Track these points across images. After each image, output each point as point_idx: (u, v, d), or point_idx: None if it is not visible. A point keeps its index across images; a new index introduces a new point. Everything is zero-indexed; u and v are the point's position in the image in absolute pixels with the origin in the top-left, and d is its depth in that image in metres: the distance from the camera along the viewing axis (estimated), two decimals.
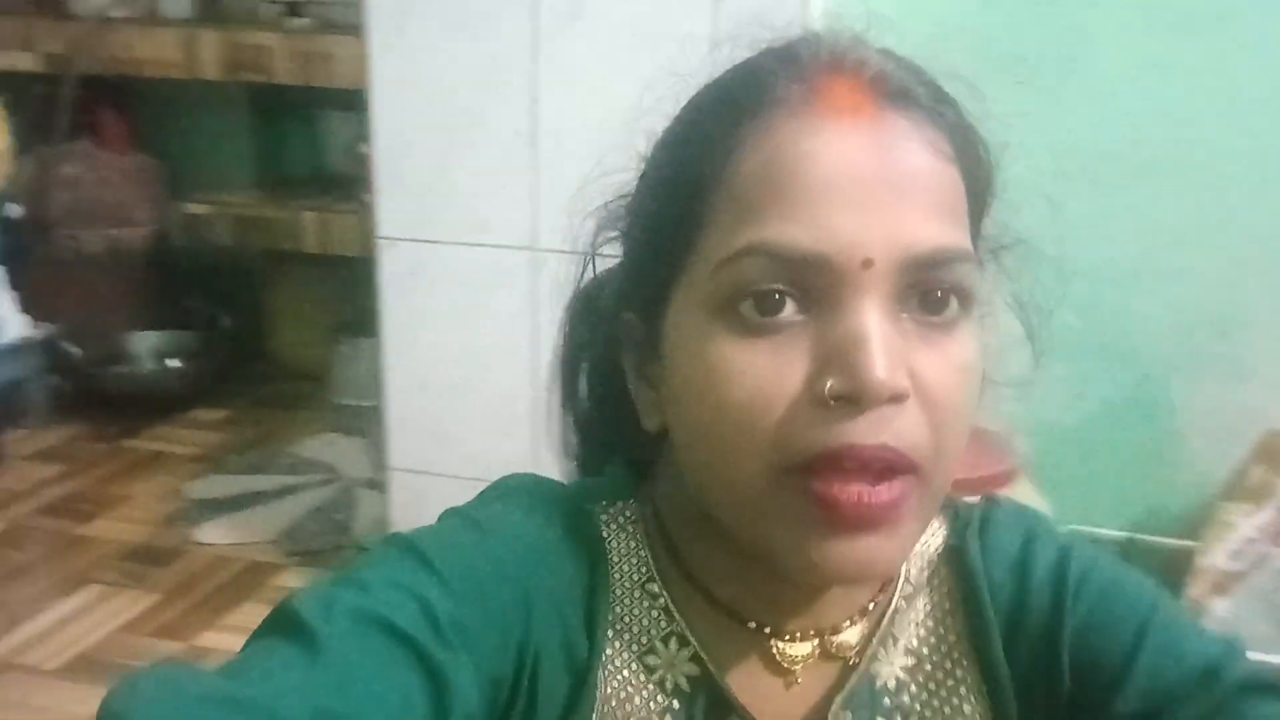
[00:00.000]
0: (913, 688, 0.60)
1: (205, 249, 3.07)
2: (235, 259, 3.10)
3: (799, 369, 0.51)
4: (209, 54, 2.77)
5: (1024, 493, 1.60)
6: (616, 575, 0.62)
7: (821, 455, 0.50)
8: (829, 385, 0.49)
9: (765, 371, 0.51)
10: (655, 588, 0.61)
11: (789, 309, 0.51)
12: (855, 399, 0.49)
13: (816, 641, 0.59)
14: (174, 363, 3.00)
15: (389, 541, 0.55)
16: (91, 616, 2.05)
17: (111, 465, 2.66)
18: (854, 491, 0.50)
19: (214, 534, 2.32)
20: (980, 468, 1.53)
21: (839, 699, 0.60)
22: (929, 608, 0.61)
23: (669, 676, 0.60)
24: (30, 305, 2.88)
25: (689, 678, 0.60)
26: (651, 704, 0.59)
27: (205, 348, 3.05)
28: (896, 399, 0.50)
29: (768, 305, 0.51)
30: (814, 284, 0.51)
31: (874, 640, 0.60)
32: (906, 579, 0.62)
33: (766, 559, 0.55)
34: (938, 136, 0.54)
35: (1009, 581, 0.60)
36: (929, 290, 0.52)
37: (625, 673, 0.60)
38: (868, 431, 0.50)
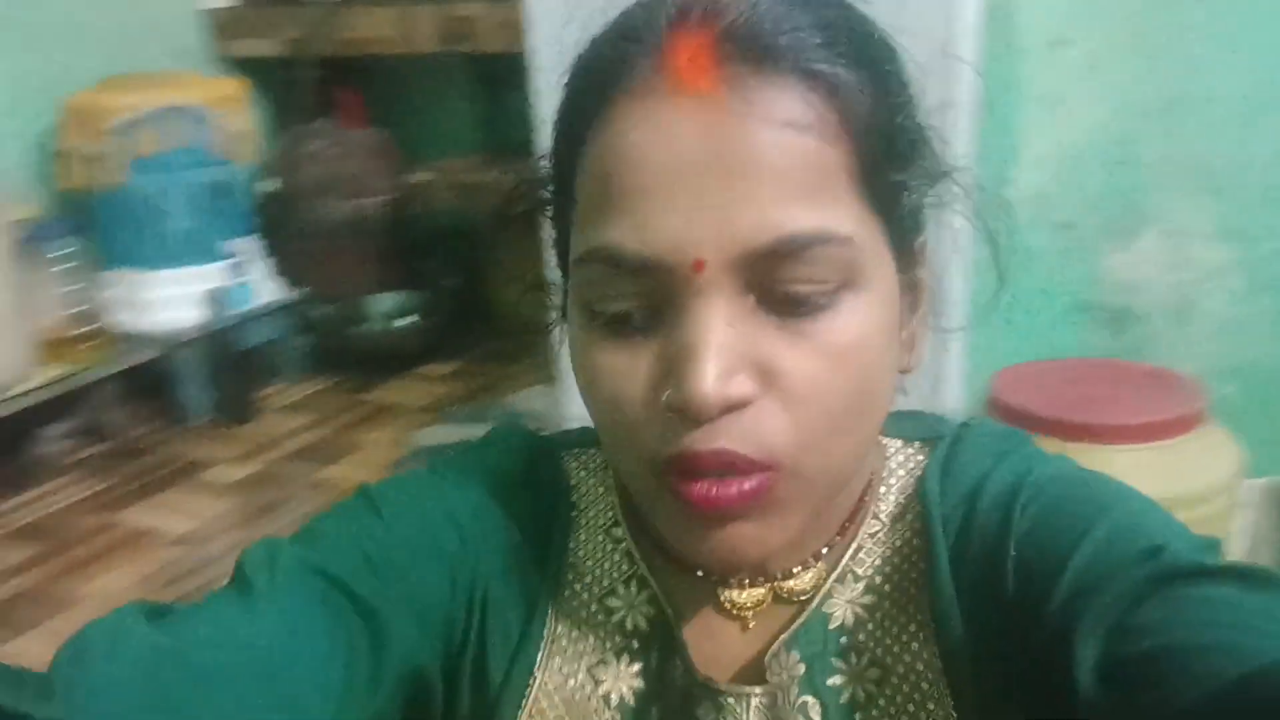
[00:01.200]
0: (869, 625, 0.58)
1: (432, 215, 3.28)
2: (459, 223, 3.30)
3: (649, 374, 0.50)
4: (424, 29, 2.94)
5: (1213, 439, 1.47)
6: (580, 519, 0.63)
7: (668, 460, 0.50)
8: (665, 397, 0.49)
9: (621, 376, 0.51)
10: (619, 532, 0.63)
11: (638, 316, 0.50)
12: (686, 412, 0.48)
13: (767, 588, 0.59)
14: (407, 321, 3.24)
15: (356, 492, 0.59)
16: None
17: (351, 415, 2.91)
18: (702, 488, 0.49)
19: None
20: (1160, 411, 1.42)
21: (783, 638, 0.59)
22: (897, 544, 0.59)
23: (629, 618, 0.61)
24: (283, 271, 3.19)
25: (647, 619, 0.61)
26: (608, 643, 0.60)
27: (435, 307, 3.27)
28: (733, 407, 0.48)
29: (619, 313, 0.50)
30: (653, 290, 0.49)
31: (830, 579, 0.59)
32: (875, 516, 0.60)
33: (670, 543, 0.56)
34: (792, 103, 0.48)
35: (960, 507, 0.57)
36: (787, 277, 0.48)
37: (583, 613, 0.61)
38: (705, 438, 0.48)
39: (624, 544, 0.62)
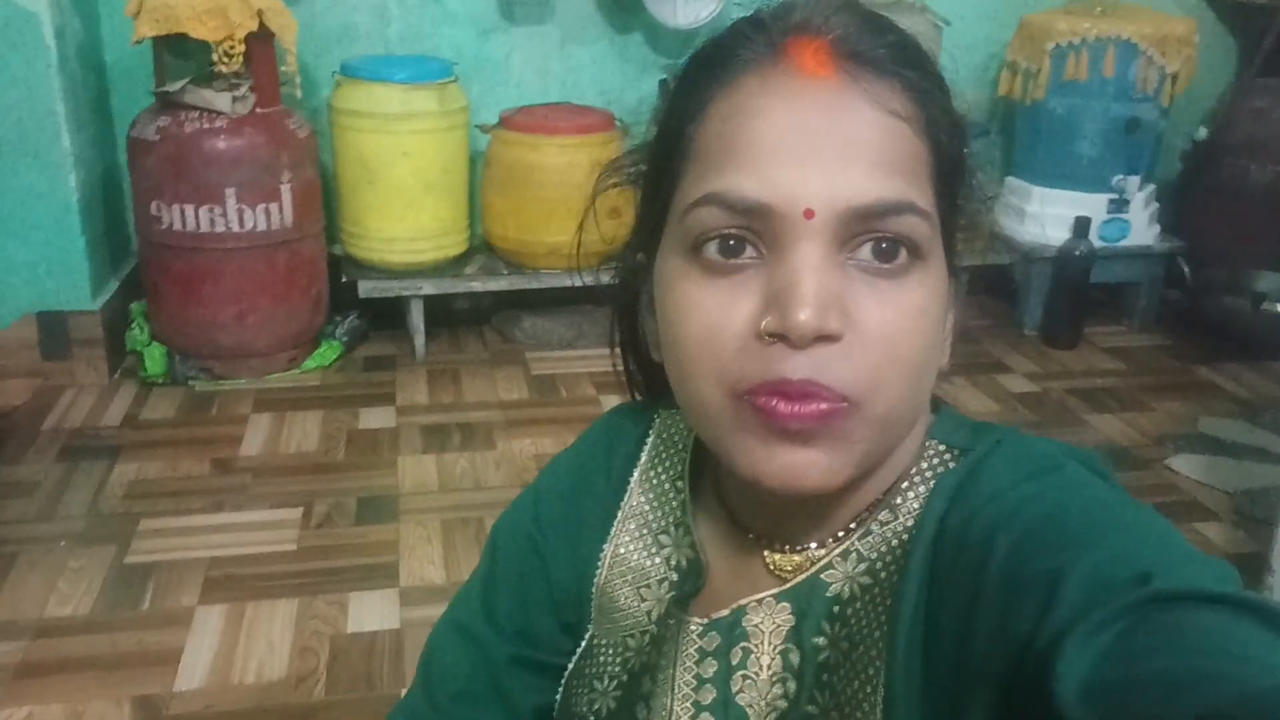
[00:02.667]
0: (858, 603, 0.63)
1: None
2: None
3: (748, 307, 0.57)
4: None
5: None
6: (641, 472, 0.75)
7: (759, 386, 0.56)
8: (764, 323, 0.55)
9: (719, 308, 0.57)
10: (681, 484, 0.73)
11: (748, 252, 0.57)
12: (784, 336, 0.55)
13: (803, 555, 0.66)
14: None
15: (489, 537, 0.81)
16: None
17: (1159, 379, 2.84)
18: (786, 404, 0.56)
19: (1186, 465, 2.39)
20: None
21: (774, 590, 0.65)
22: (903, 539, 0.62)
23: (675, 555, 0.72)
24: (1168, 219, 3.13)
25: (689, 561, 0.71)
26: (652, 569, 0.72)
27: None
28: (826, 338, 0.55)
29: (728, 248, 0.57)
30: (764, 231, 0.56)
31: (834, 552, 0.64)
32: (891, 508, 0.64)
33: (730, 468, 0.61)
34: (893, 96, 0.57)
35: (963, 520, 0.58)
36: (876, 239, 0.56)
37: (637, 544, 0.73)
38: (796, 367, 0.55)
39: (682, 495, 0.73)
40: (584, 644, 0.76)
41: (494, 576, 0.79)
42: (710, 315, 0.58)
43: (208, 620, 1.79)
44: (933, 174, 0.59)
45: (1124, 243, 3.04)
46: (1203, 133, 3.14)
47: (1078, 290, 2.97)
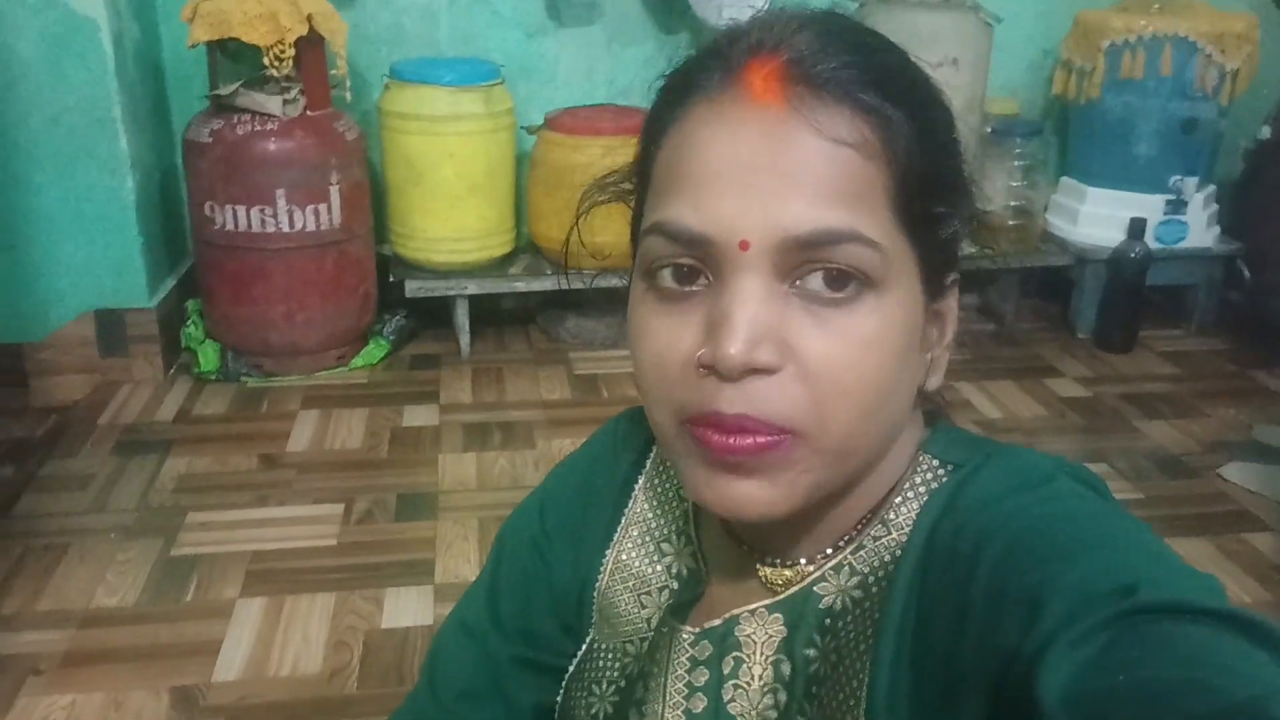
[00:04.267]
0: (849, 617, 0.63)
1: None
2: None
3: (690, 337, 0.57)
4: None
5: None
6: (646, 479, 0.75)
7: (695, 418, 0.57)
8: (699, 355, 0.56)
9: (667, 336, 0.58)
10: (685, 493, 0.73)
11: (700, 280, 0.58)
12: (715, 370, 0.55)
13: (795, 570, 0.66)
14: None
15: (496, 537, 0.82)
16: None
17: (1214, 385, 2.77)
18: (721, 438, 0.57)
19: (1238, 474, 2.33)
20: None
21: (767, 601, 0.66)
22: (895, 554, 0.62)
23: (676, 563, 0.72)
24: (1227, 220, 3.05)
25: (689, 570, 0.71)
26: (653, 577, 0.73)
27: None
28: (760, 371, 0.55)
29: (681, 275, 0.58)
30: (707, 261, 0.57)
31: (827, 566, 0.64)
32: (884, 522, 0.63)
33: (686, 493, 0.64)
34: (842, 123, 0.55)
35: (951, 534, 0.58)
36: (824, 269, 0.55)
37: (639, 551, 0.74)
38: (731, 401, 0.55)
39: (686, 505, 0.74)
40: (585, 647, 0.76)
41: (498, 578, 0.80)
42: (659, 342, 0.59)
43: (247, 613, 1.83)
44: (892, 199, 0.57)
45: (1181, 244, 2.97)
46: (1265, 132, 3.05)
47: (1133, 293, 2.91)
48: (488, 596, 0.80)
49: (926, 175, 0.58)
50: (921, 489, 0.64)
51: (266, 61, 2.52)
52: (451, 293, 2.81)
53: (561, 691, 0.77)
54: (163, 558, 1.97)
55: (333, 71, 2.63)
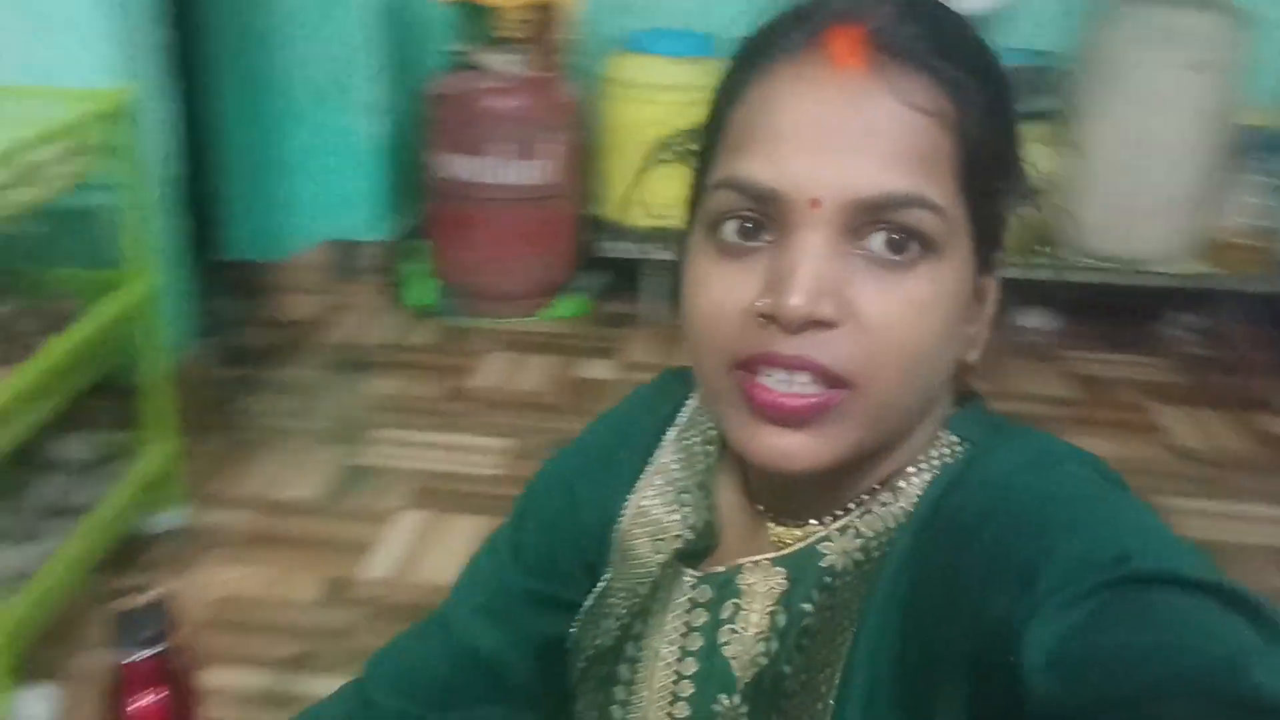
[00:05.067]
0: (848, 577, 0.64)
1: None
2: None
3: (752, 287, 0.58)
4: None
5: None
6: (677, 431, 0.76)
7: (750, 358, 0.58)
8: (759, 304, 0.57)
9: (726, 286, 0.59)
10: (711, 449, 0.74)
11: (763, 235, 0.58)
12: (775, 318, 0.56)
13: (804, 529, 0.67)
14: None
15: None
16: None
17: None
18: (768, 393, 0.58)
19: None
20: None
21: (771, 554, 0.67)
22: (901, 521, 0.63)
23: (693, 515, 0.73)
24: None
25: (705, 523, 0.72)
26: (670, 525, 0.74)
27: None
28: (819, 324, 0.56)
29: (744, 230, 0.59)
30: (775, 216, 0.58)
31: (832, 526, 0.66)
32: (893, 488, 0.65)
33: (728, 442, 0.64)
34: (919, 90, 0.57)
35: (955, 508, 0.60)
36: (886, 231, 0.56)
37: (660, 499, 0.75)
38: (788, 344, 0.56)
39: (710, 459, 0.74)
40: (600, 585, 0.80)
41: (526, 513, 0.84)
42: (718, 292, 0.60)
43: (405, 523, 2.02)
44: (959, 169, 0.58)
45: None
46: None
47: None
48: (514, 528, 0.84)
49: (992, 149, 0.60)
50: (936, 462, 0.65)
51: (504, 24, 2.71)
52: (647, 256, 2.92)
53: (576, 625, 0.81)
54: (345, 463, 2.20)
55: (563, 37, 2.79)
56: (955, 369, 0.65)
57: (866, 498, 0.65)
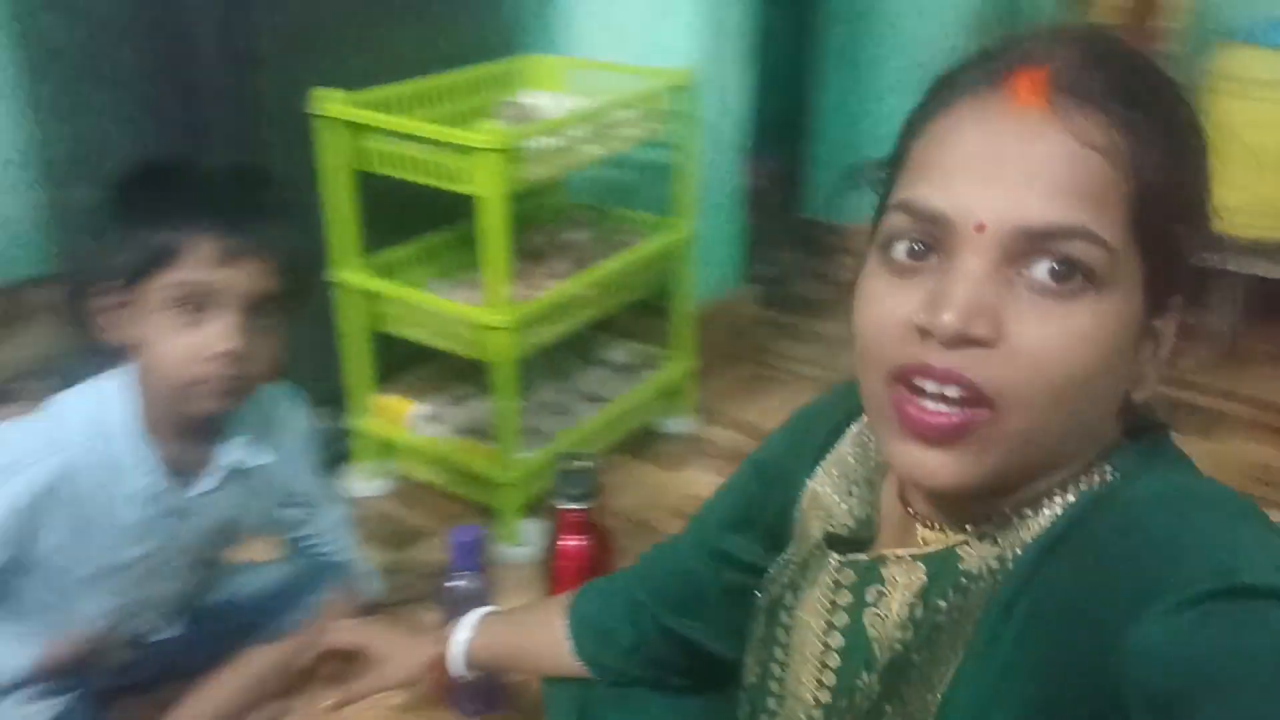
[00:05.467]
0: (981, 582, 0.67)
1: None
2: None
3: (914, 303, 0.61)
4: None
5: None
6: (858, 427, 0.82)
7: (905, 368, 0.62)
8: (918, 317, 0.60)
9: (891, 301, 0.63)
10: (873, 451, 0.80)
11: (931, 258, 0.62)
12: (928, 331, 0.60)
13: (947, 534, 0.71)
14: None
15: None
16: None
17: None
18: (916, 409, 0.61)
19: None
20: None
21: (913, 550, 0.71)
22: (1037, 539, 0.65)
23: (858, 507, 0.79)
24: None
25: (867, 516, 0.78)
26: (838, 513, 0.80)
27: None
28: (973, 342, 0.59)
29: (913, 251, 0.63)
30: (941, 238, 0.61)
31: (975, 534, 0.69)
32: (1037, 507, 0.66)
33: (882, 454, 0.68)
34: (1094, 129, 0.59)
35: (1085, 536, 0.62)
36: (1049, 260, 0.59)
37: (833, 486, 0.81)
38: (940, 357, 0.60)
39: (873, 460, 0.81)
40: (781, 557, 0.86)
41: (731, 486, 0.96)
42: (883, 307, 0.63)
43: None
44: (1132, 209, 0.60)
45: None
46: None
47: None
48: (720, 496, 0.97)
49: (1169, 193, 0.61)
50: (1084, 488, 0.66)
51: (1100, 8, 2.64)
52: (1229, 267, 2.67)
53: (762, 589, 0.87)
54: None
55: (1167, 25, 2.64)
56: (1121, 404, 0.66)
57: (1011, 513, 0.67)
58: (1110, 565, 0.58)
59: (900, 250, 0.63)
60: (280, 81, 1.80)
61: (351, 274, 1.89)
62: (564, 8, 2.31)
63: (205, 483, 1.29)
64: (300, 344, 1.88)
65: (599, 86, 2.04)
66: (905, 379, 0.62)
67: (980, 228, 0.59)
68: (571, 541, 1.52)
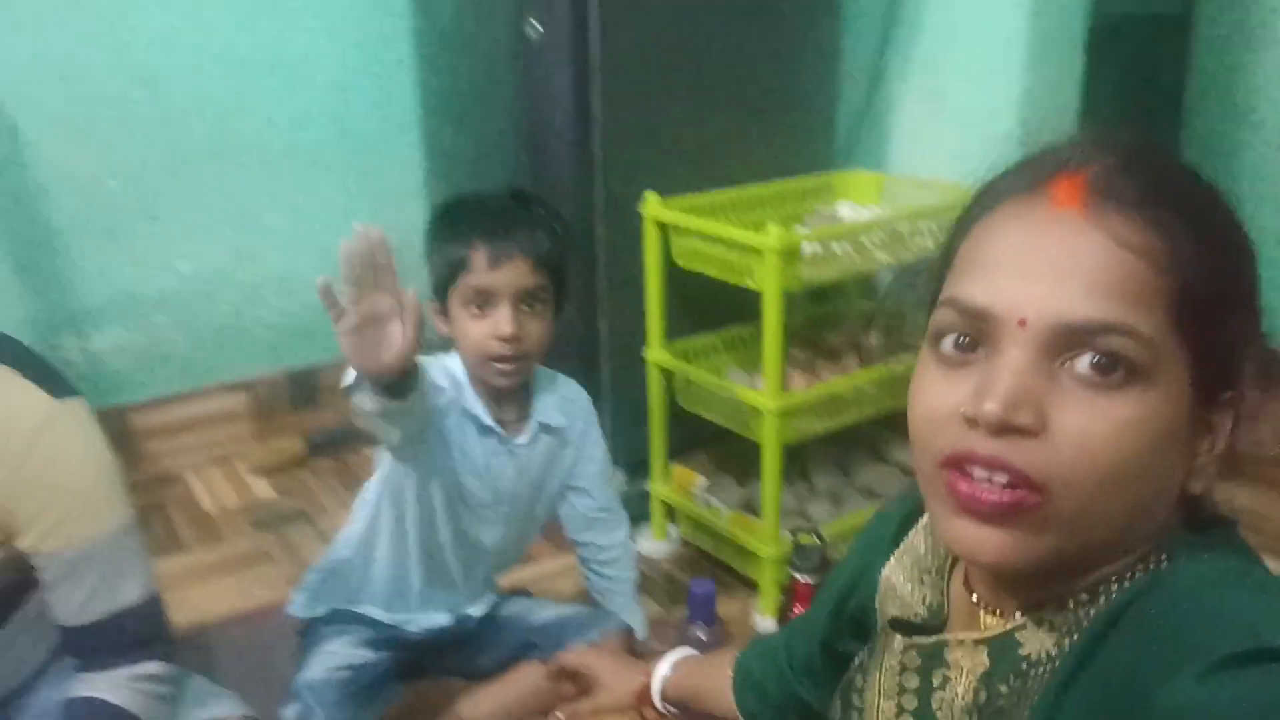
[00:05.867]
0: (1039, 668, 0.68)
1: None
2: None
3: (962, 394, 0.64)
4: None
5: None
6: (927, 519, 0.83)
7: (954, 455, 0.64)
8: (965, 408, 0.63)
9: (941, 392, 0.66)
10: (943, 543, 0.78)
11: (976, 350, 0.65)
12: (974, 420, 0.62)
13: (1007, 620, 0.73)
14: None
15: None
16: None
17: None
18: (968, 486, 0.63)
19: None
20: None
21: (975, 634, 0.73)
22: (1091, 624, 0.67)
23: (929, 596, 0.81)
24: None
25: (937, 604, 0.80)
26: (910, 600, 0.82)
27: None
28: (1015, 429, 0.61)
29: (960, 345, 0.66)
30: (986, 332, 0.64)
31: (1033, 618, 0.70)
32: (1093, 593, 0.68)
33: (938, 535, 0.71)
34: (1132, 231, 0.62)
35: (1142, 621, 0.63)
36: (1092, 354, 0.61)
37: (905, 575, 0.83)
38: (986, 445, 0.62)
39: (943, 549, 0.83)
40: (869, 644, 0.88)
41: (831, 578, 1.00)
42: (933, 397, 0.67)
43: None
44: (1174, 305, 0.62)
45: None
46: None
47: None
48: (821, 593, 1.00)
49: (1209, 291, 0.63)
50: (1139, 574, 0.67)
51: None
52: None
53: (856, 670, 0.88)
54: None
55: None
56: (1180, 495, 0.67)
57: (1068, 599, 0.69)
58: (1152, 639, 0.60)
59: (949, 344, 0.66)
60: (619, 183, 2.12)
61: (658, 353, 2.15)
62: (892, 127, 2.47)
63: (523, 436, 1.62)
64: (621, 414, 2.18)
65: (912, 200, 2.17)
66: (955, 464, 0.64)
67: (1022, 323, 0.62)
68: (798, 609, 1.64)
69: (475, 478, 1.59)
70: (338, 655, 1.57)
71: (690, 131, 2.20)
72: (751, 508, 2.14)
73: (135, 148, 2.52)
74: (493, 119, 2.28)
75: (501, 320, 1.48)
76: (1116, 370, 0.60)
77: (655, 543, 2.28)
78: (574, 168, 2.11)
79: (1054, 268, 0.62)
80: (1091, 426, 0.60)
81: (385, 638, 1.62)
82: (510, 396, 1.61)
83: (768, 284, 1.83)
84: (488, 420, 1.57)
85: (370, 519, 1.61)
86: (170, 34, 2.50)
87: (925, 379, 0.68)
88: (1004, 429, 0.61)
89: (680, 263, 2.06)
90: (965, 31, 2.31)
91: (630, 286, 2.14)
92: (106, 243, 2.54)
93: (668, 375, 2.17)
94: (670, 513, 2.28)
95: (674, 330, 2.17)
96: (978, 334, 0.64)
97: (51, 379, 1.24)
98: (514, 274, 1.48)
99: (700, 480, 2.21)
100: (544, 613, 1.79)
